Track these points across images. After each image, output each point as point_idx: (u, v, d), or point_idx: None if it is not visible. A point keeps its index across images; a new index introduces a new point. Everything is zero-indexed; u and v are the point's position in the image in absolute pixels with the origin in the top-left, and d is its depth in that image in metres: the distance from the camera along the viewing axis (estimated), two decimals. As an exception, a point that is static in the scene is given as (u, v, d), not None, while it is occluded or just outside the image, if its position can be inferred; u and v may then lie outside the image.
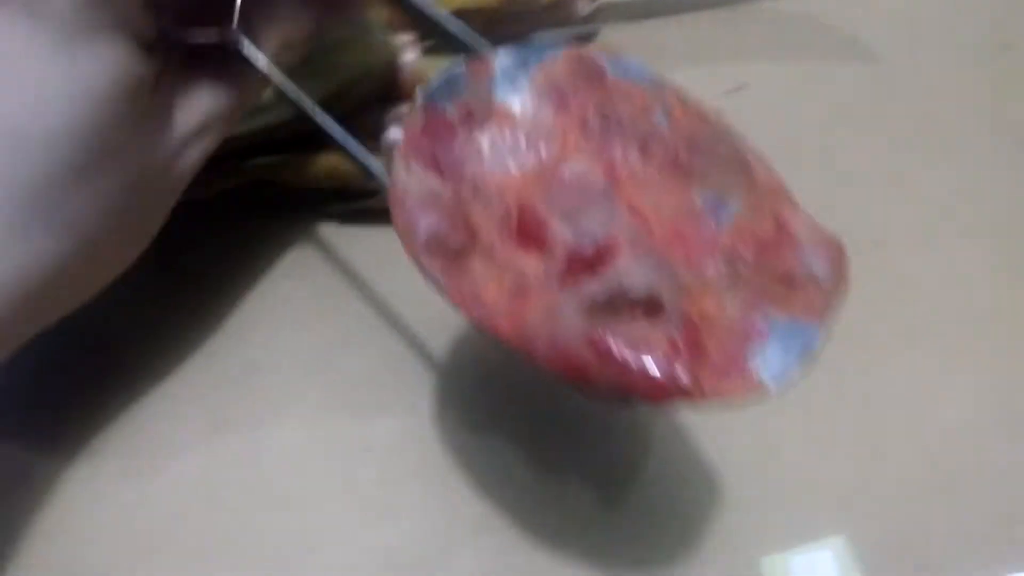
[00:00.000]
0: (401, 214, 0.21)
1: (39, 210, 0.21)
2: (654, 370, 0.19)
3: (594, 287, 0.20)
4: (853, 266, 0.30)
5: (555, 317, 0.19)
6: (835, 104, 0.36)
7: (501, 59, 0.23)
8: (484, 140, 0.22)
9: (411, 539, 0.25)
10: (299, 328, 0.29)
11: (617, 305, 0.19)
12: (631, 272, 0.20)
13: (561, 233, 0.21)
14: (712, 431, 0.27)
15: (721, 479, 0.26)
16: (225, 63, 0.25)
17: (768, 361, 0.19)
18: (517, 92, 0.22)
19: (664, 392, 0.19)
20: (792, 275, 0.20)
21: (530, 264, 0.21)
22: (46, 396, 0.28)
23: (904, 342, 0.29)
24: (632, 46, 0.29)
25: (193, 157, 0.25)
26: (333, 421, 0.28)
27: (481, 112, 0.22)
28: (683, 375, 0.19)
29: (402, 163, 0.21)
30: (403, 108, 0.30)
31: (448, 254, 0.20)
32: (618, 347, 0.19)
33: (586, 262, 0.20)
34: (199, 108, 0.25)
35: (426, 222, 0.21)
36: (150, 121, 0.24)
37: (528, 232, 0.21)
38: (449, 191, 0.21)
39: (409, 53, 0.31)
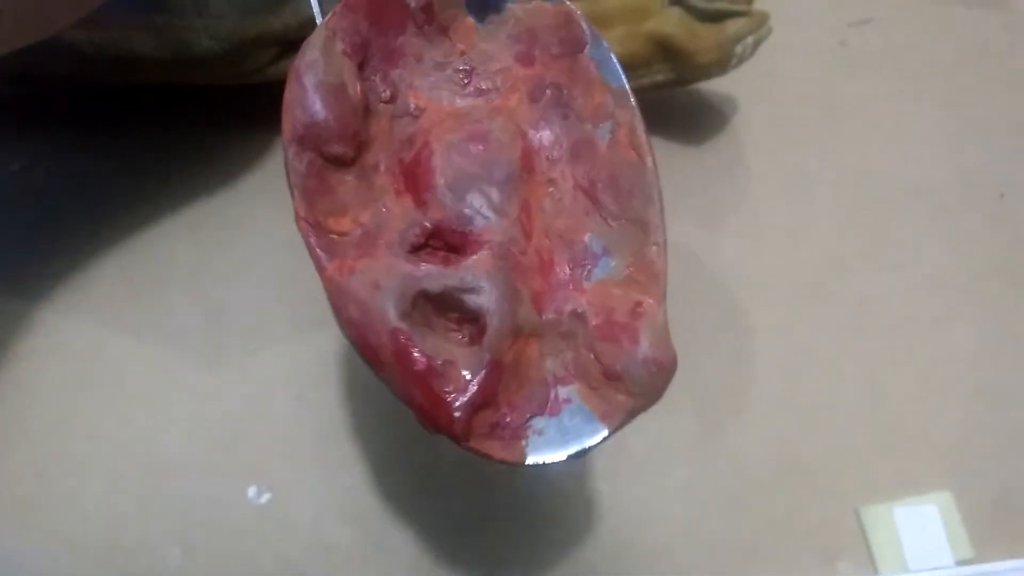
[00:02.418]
0: (296, 89, 0.18)
1: None
2: (438, 394, 0.18)
3: (434, 278, 0.18)
4: (972, 217, 0.30)
5: (379, 289, 0.18)
6: (961, 48, 0.34)
7: None
8: (431, 50, 0.20)
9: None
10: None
11: (444, 304, 0.18)
12: (479, 285, 0.18)
13: (442, 199, 0.19)
14: (820, 377, 0.27)
15: (823, 427, 0.26)
16: None
17: (542, 441, 0.18)
18: (491, 16, 0.20)
19: (433, 420, 0.18)
20: (612, 368, 0.18)
21: (398, 208, 0.19)
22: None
23: (1017, 299, 0.28)
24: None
25: None
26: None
27: (445, 18, 0.20)
28: (461, 413, 0.18)
29: (327, 33, 0.19)
30: None
31: (321, 156, 0.18)
32: (419, 356, 0.18)
33: (447, 243, 0.19)
34: None
35: (317, 111, 0.18)
36: None
37: (416, 176, 0.19)
38: (360, 91, 0.19)
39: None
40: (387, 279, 0.18)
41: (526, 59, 0.20)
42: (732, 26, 0.27)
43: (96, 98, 0.30)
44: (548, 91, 0.20)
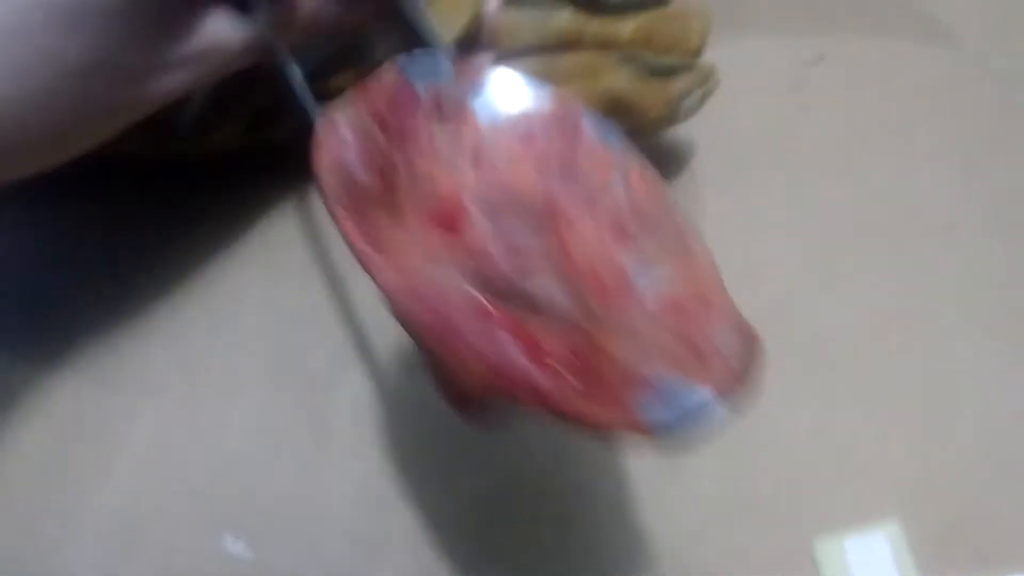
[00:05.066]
0: (326, 126, 0.20)
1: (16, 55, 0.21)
2: (541, 361, 0.17)
3: (497, 280, 0.18)
4: (923, 250, 0.31)
5: (445, 276, 0.18)
6: (911, 84, 0.35)
7: (491, 75, 0.22)
8: (439, 134, 0.21)
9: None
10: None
11: (513, 300, 0.18)
12: (540, 281, 0.19)
13: (479, 223, 0.20)
14: (769, 414, 0.27)
15: (777, 461, 0.27)
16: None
17: (650, 408, 0.18)
18: (491, 111, 0.22)
19: (539, 393, 0.17)
20: (701, 346, 0.19)
21: (434, 240, 0.20)
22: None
23: (968, 330, 0.29)
24: (715, 12, 0.30)
25: (180, 78, 0.24)
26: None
27: (450, 110, 0.22)
28: (573, 381, 0.17)
29: (349, 99, 0.21)
30: (481, 57, 0.29)
31: (353, 189, 0.19)
32: (510, 322, 0.17)
33: (497, 261, 0.19)
34: (208, 35, 0.24)
35: (349, 148, 0.20)
36: (160, 23, 0.23)
37: (444, 216, 0.20)
38: (384, 143, 0.21)
39: (491, 3, 0.29)
40: (453, 272, 0.18)
41: (528, 138, 0.22)
42: (679, 82, 0.28)
43: (76, 168, 0.31)
44: (555, 161, 0.21)
